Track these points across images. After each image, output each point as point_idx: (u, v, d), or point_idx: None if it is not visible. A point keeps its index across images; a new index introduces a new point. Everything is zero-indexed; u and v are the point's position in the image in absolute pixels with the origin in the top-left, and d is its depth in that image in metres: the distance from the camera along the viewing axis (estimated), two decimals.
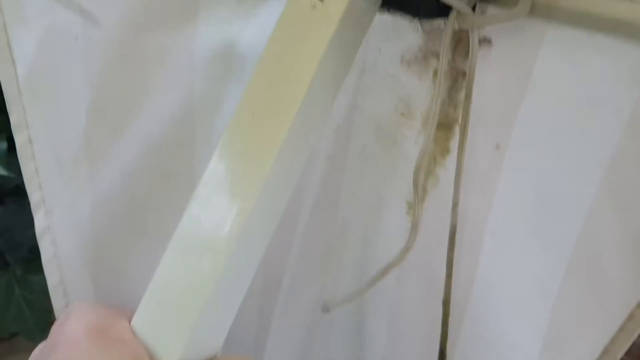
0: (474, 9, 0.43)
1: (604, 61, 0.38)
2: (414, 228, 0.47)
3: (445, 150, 0.51)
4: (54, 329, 0.31)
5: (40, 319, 1.14)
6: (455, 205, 0.49)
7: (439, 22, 0.46)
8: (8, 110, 0.39)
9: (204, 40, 0.42)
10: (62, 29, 0.38)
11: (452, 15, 0.44)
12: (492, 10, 0.43)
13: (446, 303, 0.53)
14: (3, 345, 1.44)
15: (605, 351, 0.43)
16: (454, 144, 0.50)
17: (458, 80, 0.48)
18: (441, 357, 0.55)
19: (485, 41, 0.45)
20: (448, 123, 0.49)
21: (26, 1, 0.36)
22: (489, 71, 0.45)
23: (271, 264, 0.54)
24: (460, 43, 0.47)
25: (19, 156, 0.42)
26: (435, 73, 0.50)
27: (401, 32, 0.48)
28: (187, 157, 0.46)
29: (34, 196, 0.43)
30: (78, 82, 0.40)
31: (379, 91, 0.52)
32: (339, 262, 0.59)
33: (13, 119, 0.40)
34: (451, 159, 0.50)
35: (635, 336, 0.42)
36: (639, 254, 0.41)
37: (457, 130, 0.49)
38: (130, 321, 0.34)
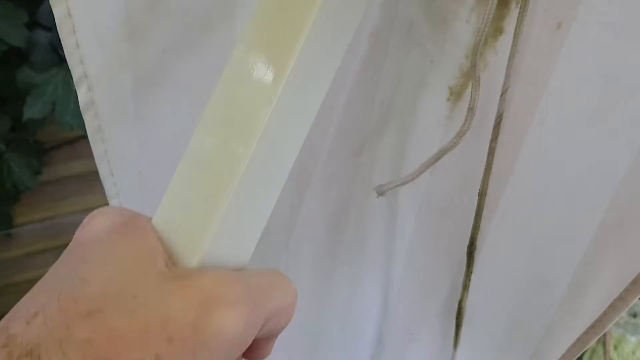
0: None
1: None
2: (471, 110, 0.45)
3: (498, 31, 0.47)
4: (75, 233, 0.29)
5: None
6: (504, 92, 0.46)
7: None
8: None
9: None
10: None
11: None
12: None
13: (482, 195, 0.51)
14: (64, 150, 1.49)
15: None
16: (509, 23, 0.46)
17: None
18: (471, 247, 0.54)
19: None
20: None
21: None
22: None
23: (306, 143, 0.53)
24: None
25: (59, 30, 0.40)
26: None
27: None
28: (226, 32, 0.44)
29: (76, 71, 0.41)
30: None
31: None
32: (377, 145, 0.57)
33: None
34: (503, 41, 0.47)
35: None
36: None
37: (513, 7, 0.45)
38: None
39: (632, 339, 1.27)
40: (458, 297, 0.57)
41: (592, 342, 0.47)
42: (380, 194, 0.51)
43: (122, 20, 0.41)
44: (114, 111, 0.45)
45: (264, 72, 0.30)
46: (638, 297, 0.44)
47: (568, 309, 0.49)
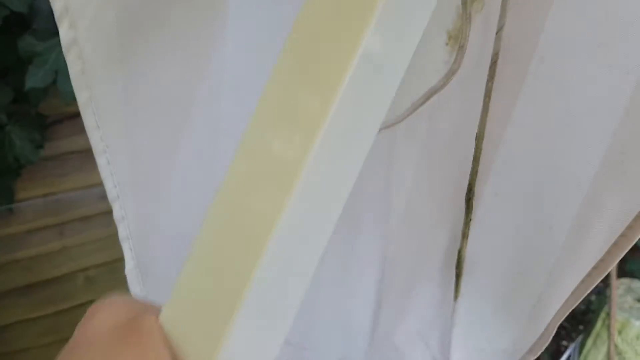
0: None
1: None
2: (461, 48, 0.44)
3: None
4: (77, 329, 0.27)
5: None
6: (500, 29, 0.45)
7: None
8: None
9: None
10: None
11: None
12: None
13: (479, 138, 0.50)
14: (67, 124, 1.48)
15: None
16: None
17: None
18: (469, 194, 0.53)
19: None
20: None
21: None
22: None
23: None
24: None
25: None
26: None
27: None
28: None
29: (56, 4, 0.40)
30: None
31: None
32: None
33: None
34: None
35: None
36: None
37: None
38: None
39: (637, 324, 1.27)
40: (457, 247, 0.56)
41: (596, 283, 0.47)
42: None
43: None
44: (98, 52, 0.43)
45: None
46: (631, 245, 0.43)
47: (571, 252, 0.48)
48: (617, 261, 0.45)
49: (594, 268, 0.46)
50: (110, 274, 1.68)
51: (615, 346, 1.29)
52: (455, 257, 0.57)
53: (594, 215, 0.45)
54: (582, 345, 1.38)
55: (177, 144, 0.52)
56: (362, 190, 0.60)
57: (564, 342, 1.61)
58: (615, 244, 0.44)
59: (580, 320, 1.64)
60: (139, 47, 0.44)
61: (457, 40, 0.51)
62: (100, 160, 0.50)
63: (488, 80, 0.47)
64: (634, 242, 0.43)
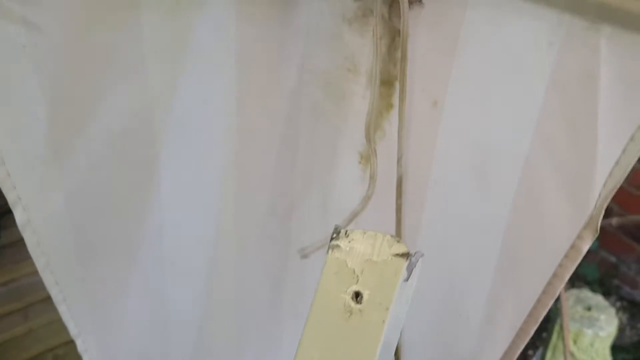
0: None
1: (524, 23, 0.40)
2: (372, 178, 0.50)
3: (390, 105, 0.53)
4: None
5: None
6: (400, 158, 0.52)
7: None
8: None
9: (152, 35, 0.43)
10: (8, 41, 0.39)
11: None
12: None
13: None
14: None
15: (555, 274, 0.47)
16: (396, 99, 0.52)
17: (395, 38, 0.50)
18: None
19: (416, 1, 0.47)
20: (389, 79, 0.51)
21: None
22: (422, 30, 0.47)
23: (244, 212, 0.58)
24: (396, 2, 0.48)
25: None
26: (374, 31, 0.52)
27: None
28: (148, 144, 0.49)
29: (10, 195, 0.45)
30: (32, 89, 0.41)
31: (325, 51, 0.53)
32: (304, 209, 0.62)
33: None
34: (394, 113, 0.53)
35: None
36: (574, 194, 0.45)
37: (397, 86, 0.51)
38: None
39: (589, 332, 1.34)
40: None
41: None
42: (304, 256, 0.56)
43: (47, 147, 0.45)
44: (50, 227, 0.49)
45: None
46: (535, 328, 0.50)
47: (484, 340, 0.55)
48: (519, 350, 0.52)
49: (504, 354, 0.53)
50: (77, 350, 1.67)
51: (572, 355, 1.35)
52: None
53: (498, 312, 0.53)
54: (542, 357, 1.44)
55: (128, 286, 0.58)
56: (305, 291, 0.67)
57: (529, 352, 1.66)
58: (517, 336, 0.51)
59: (544, 328, 1.69)
60: (86, 214, 0.50)
61: (368, 160, 0.58)
62: (61, 308, 0.55)
63: (397, 198, 0.55)
64: (531, 334, 0.51)
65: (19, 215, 0.47)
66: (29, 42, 0.39)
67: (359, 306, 0.33)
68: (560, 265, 0.45)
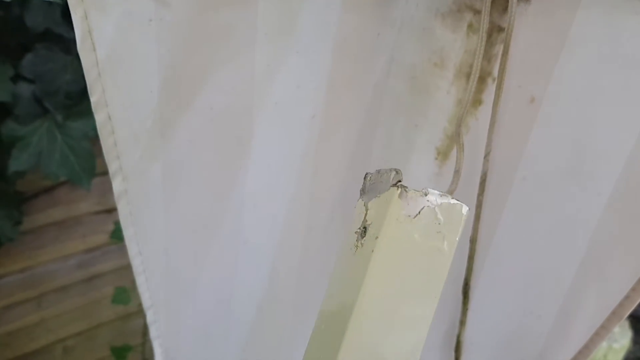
0: None
1: (639, 23, 0.41)
2: (457, 173, 0.51)
3: (478, 101, 0.54)
4: None
5: (86, 164, 1.17)
6: (487, 154, 0.53)
7: None
8: (89, 91, 0.41)
9: (265, 17, 0.44)
10: (137, 14, 0.39)
11: None
12: None
13: (473, 241, 0.58)
14: (43, 198, 1.49)
15: None
16: (487, 95, 0.53)
17: (493, 34, 0.50)
18: (465, 287, 0.60)
19: None
20: (482, 75, 0.52)
21: None
22: (526, 27, 0.47)
23: (313, 205, 0.58)
24: None
25: (99, 132, 0.44)
26: (469, 26, 0.52)
27: None
28: (245, 124, 0.49)
29: (112, 165, 0.46)
30: (151, 62, 0.42)
31: (415, 44, 0.54)
32: None
33: (93, 99, 0.42)
34: (483, 110, 0.53)
35: None
36: None
37: (489, 82, 0.52)
38: None
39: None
40: (456, 332, 0.63)
41: None
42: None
43: (155, 120, 0.45)
44: (144, 198, 0.49)
45: None
46: (617, 325, 0.51)
47: (558, 338, 0.56)
48: (597, 348, 0.52)
49: (578, 353, 0.54)
50: (88, 341, 1.67)
51: None
52: (454, 340, 0.64)
53: (576, 307, 0.53)
54: None
55: (204, 259, 0.58)
56: None
57: None
58: (596, 334, 0.52)
59: None
60: (177, 189, 0.50)
61: (446, 156, 0.59)
62: (139, 279, 0.56)
63: (479, 195, 0.55)
64: (611, 332, 0.51)
65: (117, 185, 0.47)
66: (156, 15, 0.40)
67: (362, 239, 0.35)
68: None
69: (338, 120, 0.55)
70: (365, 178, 0.35)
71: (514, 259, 0.56)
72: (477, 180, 0.55)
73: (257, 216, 0.56)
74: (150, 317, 0.59)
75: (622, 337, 1.45)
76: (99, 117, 0.43)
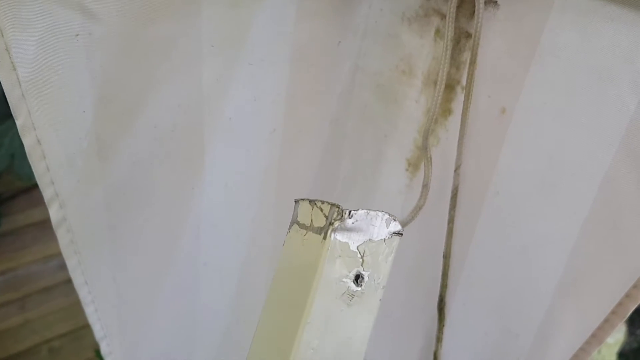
0: None
1: (615, 31, 0.37)
2: (425, 187, 0.48)
3: (447, 111, 0.50)
4: None
5: None
6: (457, 167, 0.50)
7: None
8: (13, 114, 0.38)
9: (210, 28, 0.40)
10: (61, 28, 0.35)
11: None
12: None
13: (447, 257, 0.54)
14: (21, 198, 1.46)
15: (628, 294, 0.45)
16: (456, 104, 0.49)
17: (461, 40, 0.47)
18: (441, 303, 0.57)
19: (491, 2, 0.44)
20: (450, 84, 0.49)
21: (22, 4, 0.34)
22: (495, 33, 0.44)
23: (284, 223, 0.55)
24: (464, 2, 0.45)
25: (29, 157, 0.40)
26: (437, 32, 0.49)
27: None
28: (196, 142, 0.46)
29: (47, 191, 0.42)
30: (82, 80, 0.38)
31: (380, 51, 0.51)
32: None
33: (19, 122, 0.38)
34: (453, 120, 0.50)
35: None
36: None
37: (459, 91, 0.49)
38: None
39: None
40: (433, 349, 0.60)
41: None
42: None
43: (90, 141, 0.42)
44: (86, 225, 0.46)
45: None
46: (598, 349, 0.48)
47: (536, 358, 0.53)
48: None
49: None
50: (74, 342, 1.65)
51: None
52: (431, 357, 0.61)
53: (555, 328, 0.50)
54: None
55: (160, 285, 0.55)
56: None
57: None
58: (575, 356, 0.49)
59: None
60: (124, 211, 0.47)
61: (416, 167, 0.55)
62: (88, 310, 0.52)
63: (450, 209, 0.52)
64: (591, 355, 0.48)
65: (54, 213, 0.43)
66: (83, 30, 0.36)
67: (359, 289, 0.32)
68: (635, 286, 0.43)
69: (301, 134, 0.52)
70: (348, 214, 0.31)
71: (489, 275, 0.53)
72: (449, 194, 0.51)
73: (217, 237, 0.53)
74: (104, 348, 0.56)
75: (616, 332, 1.43)
76: (27, 141, 0.39)
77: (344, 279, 0.32)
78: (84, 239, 0.46)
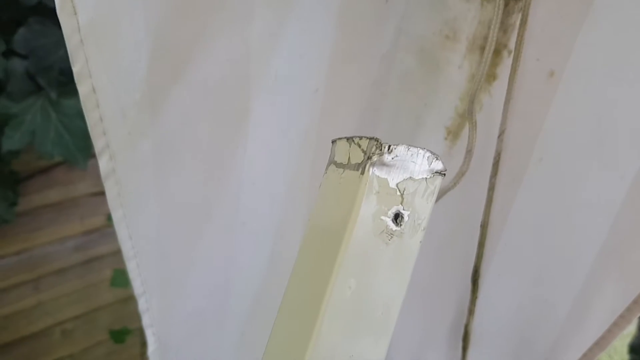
0: None
1: None
2: (469, 153, 0.47)
3: (492, 76, 0.50)
4: None
5: (81, 143, 1.13)
6: (501, 133, 0.49)
7: None
8: (71, 60, 0.37)
9: None
10: None
11: None
12: None
13: (484, 226, 0.54)
14: (39, 179, 1.46)
15: None
16: (502, 70, 0.49)
17: (510, 3, 0.47)
18: (475, 275, 0.57)
19: None
20: (497, 48, 0.48)
21: None
22: None
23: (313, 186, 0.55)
24: None
25: (82, 105, 0.40)
26: None
27: None
28: (242, 98, 0.46)
29: (98, 142, 0.42)
30: (138, 30, 0.38)
31: (425, 14, 0.50)
32: None
33: (76, 69, 0.38)
34: (497, 85, 0.50)
35: None
36: None
37: (505, 55, 0.48)
38: None
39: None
40: (464, 321, 0.60)
41: (597, 356, 0.51)
42: None
43: (143, 93, 0.42)
44: (134, 178, 0.46)
45: None
46: (638, 316, 0.48)
47: (573, 328, 0.53)
48: (616, 339, 0.49)
49: (595, 344, 0.51)
50: (86, 325, 1.66)
51: None
52: (462, 330, 0.61)
53: (594, 296, 0.50)
54: None
55: (199, 243, 0.55)
56: None
57: None
58: (615, 324, 0.48)
59: None
60: (170, 167, 0.47)
61: (456, 135, 0.55)
62: (130, 265, 0.52)
63: (491, 177, 0.52)
64: (631, 323, 0.48)
65: (103, 164, 0.43)
66: None
67: (399, 228, 0.31)
68: None
69: (342, 95, 0.52)
70: (387, 149, 0.30)
71: (527, 245, 0.53)
72: (490, 161, 0.51)
73: (255, 196, 0.53)
74: (142, 304, 0.56)
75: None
76: (82, 89, 0.39)
77: (383, 217, 0.30)
78: (131, 193, 0.46)
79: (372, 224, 0.30)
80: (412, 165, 0.30)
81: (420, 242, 0.31)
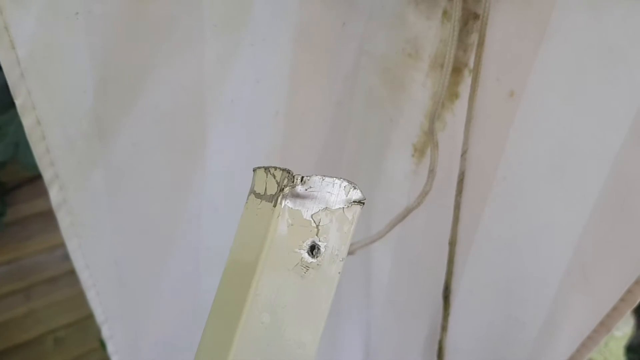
0: None
1: (627, 9, 0.36)
2: (432, 172, 0.47)
3: (454, 95, 0.49)
4: None
5: None
6: (464, 152, 0.49)
7: None
8: (12, 94, 0.37)
9: (213, 7, 0.39)
10: (61, 6, 0.35)
11: None
12: None
13: (452, 244, 0.54)
14: (26, 188, 1.45)
15: (629, 290, 0.44)
16: (463, 88, 0.48)
17: (469, 22, 0.46)
18: (446, 291, 0.57)
19: None
20: (457, 67, 0.48)
21: None
22: (504, 14, 0.43)
23: None
24: None
25: (28, 138, 0.40)
26: (444, 13, 0.48)
27: None
28: (197, 124, 0.45)
29: (47, 173, 0.42)
30: (83, 59, 0.37)
31: (386, 33, 0.50)
32: None
33: (19, 102, 0.37)
34: (459, 104, 0.49)
35: None
36: None
37: (466, 74, 0.48)
38: None
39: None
40: (438, 338, 0.60)
41: None
42: (351, 253, 0.52)
43: (91, 122, 0.41)
44: (87, 207, 0.45)
45: None
46: (605, 337, 0.47)
47: (543, 347, 0.52)
48: (586, 358, 0.49)
49: None
50: (79, 332, 1.65)
51: None
52: (436, 346, 0.60)
53: (562, 316, 0.49)
54: None
55: (161, 269, 0.54)
56: (344, 280, 0.63)
57: None
58: (583, 345, 0.48)
59: None
60: (124, 193, 0.46)
61: (422, 153, 0.54)
62: (90, 293, 0.52)
63: (457, 195, 0.51)
64: (600, 344, 0.47)
65: (54, 195, 0.43)
66: (83, 8, 0.35)
67: (315, 260, 0.30)
68: None
69: (304, 117, 0.51)
70: (300, 180, 0.30)
71: (495, 262, 0.52)
72: (455, 179, 0.51)
73: (219, 221, 0.52)
74: (105, 332, 0.55)
75: (624, 325, 1.42)
76: (26, 121, 0.39)
77: (297, 249, 0.30)
78: (84, 222, 0.45)
79: (285, 257, 0.30)
80: (328, 196, 0.30)
81: (339, 272, 0.30)
